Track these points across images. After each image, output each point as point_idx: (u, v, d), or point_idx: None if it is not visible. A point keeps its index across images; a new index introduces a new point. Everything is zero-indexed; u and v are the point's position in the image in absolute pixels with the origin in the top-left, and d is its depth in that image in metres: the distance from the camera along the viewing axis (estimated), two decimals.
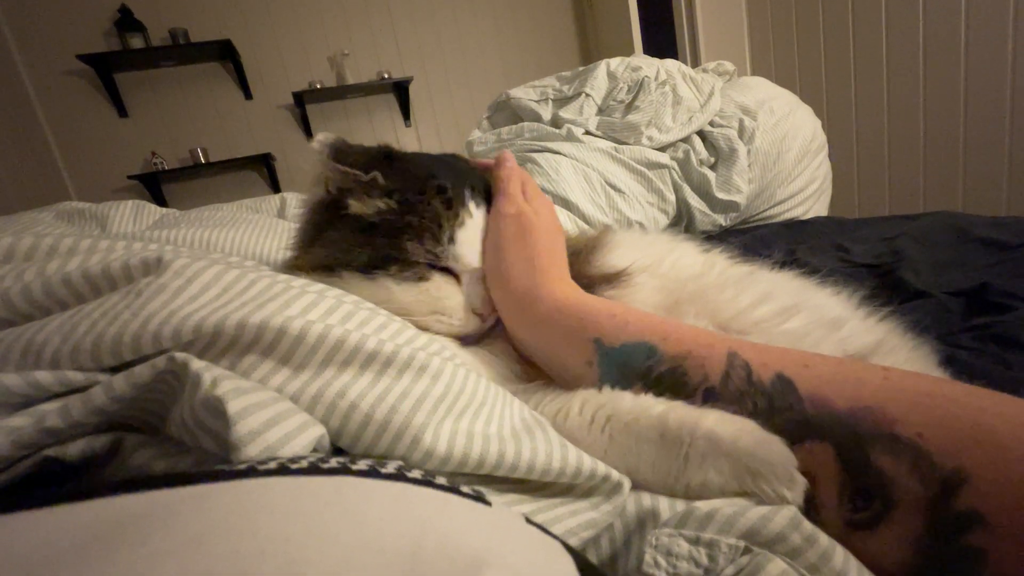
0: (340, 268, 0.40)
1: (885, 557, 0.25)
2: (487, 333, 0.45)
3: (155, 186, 3.15)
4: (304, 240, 0.43)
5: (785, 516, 0.23)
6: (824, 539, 0.23)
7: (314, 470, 0.16)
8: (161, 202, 3.02)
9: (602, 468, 0.28)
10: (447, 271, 0.42)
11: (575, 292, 0.41)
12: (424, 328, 0.40)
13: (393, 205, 0.41)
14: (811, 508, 0.27)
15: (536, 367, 0.43)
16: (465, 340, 0.44)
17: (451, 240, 0.42)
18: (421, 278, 0.41)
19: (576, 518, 0.27)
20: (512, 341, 0.44)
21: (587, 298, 0.41)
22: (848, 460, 0.26)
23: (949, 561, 0.23)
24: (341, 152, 0.42)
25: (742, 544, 0.23)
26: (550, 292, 0.40)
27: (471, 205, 0.44)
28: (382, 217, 0.41)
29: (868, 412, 0.26)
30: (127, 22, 2.95)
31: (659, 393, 0.33)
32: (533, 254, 0.42)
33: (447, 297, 0.42)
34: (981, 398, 0.25)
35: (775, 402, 0.29)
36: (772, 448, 0.27)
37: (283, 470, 0.16)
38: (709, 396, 0.31)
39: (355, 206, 0.41)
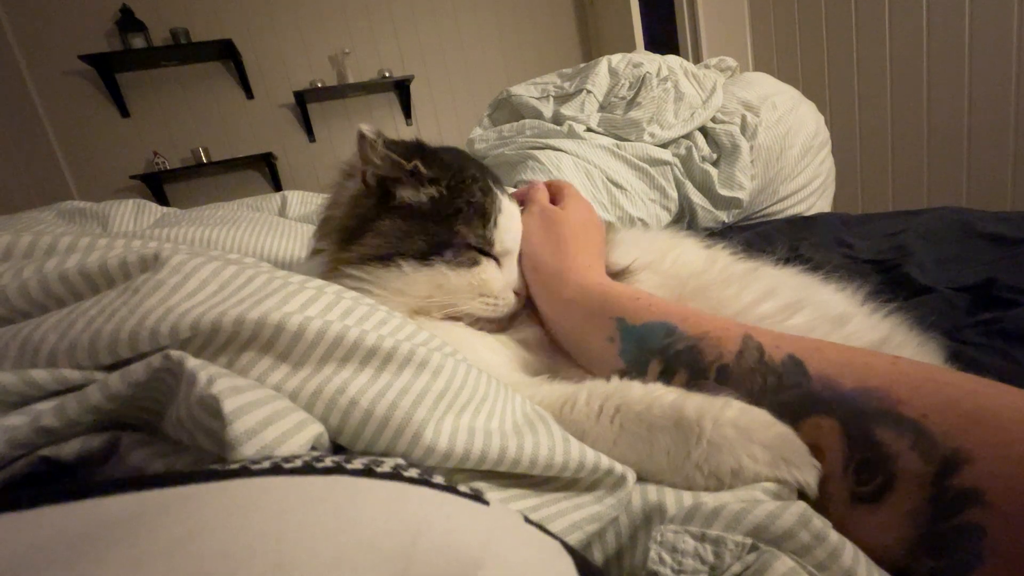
0: (397, 257, 0.41)
1: (887, 532, 0.25)
2: (512, 320, 0.48)
3: (157, 186, 3.16)
4: (347, 234, 0.44)
5: (794, 513, 0.23)
6: (834, 536, 0.23)
7: (308, 469, 0.16)
8: (163, 201, 3.03)
9: (605, 461, 0.28)
10: (489, 256, 0.45)
11: (600, 278, 0.45)
12: (467, 313, 0.44)
13: (443, 191, 0.43)
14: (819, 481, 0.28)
15: (551, 356, 0.45)
16: (494, 325, 0.46)
17: (495, 224, 0.45)
18: (474, 262, 0.43)
19: (580, 512, 0.27)
20: (541, 318, 0.47)
21: (612, 283, 0.43)
22: (853, 435, 0.27)
23: (948, 537, 0.23)
24: (387, 142, 0.44)
25: (749, 541, 0.23)
26: (578, 276, 0.44)
27: (499, 192, 0.47)
28: (434, 204, 0.43)
29: (874, 392, 0.27)
30: (128, 22, 2.95)
31: (675, 368, 0.35)
32: (560, 242, 0.47)
33: (493, 280, 0.44)
34: (986, 386, 0.26)
35: (784, 380, 0.31)
36: (793, 438, 0.28)
37: (276, 469, 0.16)
38: (722, 372, 0.33)
39: (405, 194, 0.43)
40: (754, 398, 0.31)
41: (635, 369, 0.37)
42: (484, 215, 0.44)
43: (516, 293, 0.46)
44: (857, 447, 0.27)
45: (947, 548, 0.23)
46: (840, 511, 0.27)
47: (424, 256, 0.42)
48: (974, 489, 0.23)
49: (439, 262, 0.42)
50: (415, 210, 0.43)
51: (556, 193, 0.55)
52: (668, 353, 0.35)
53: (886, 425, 0.26)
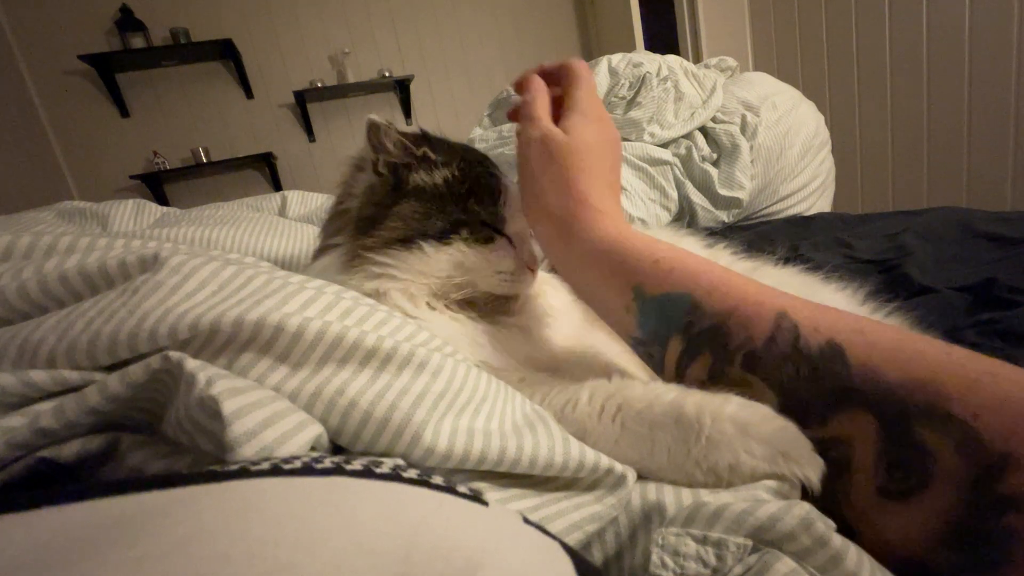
0: (417, 238, 0.42)
1: (912, 526, 0.24)
2: (523, 303, 0.48)
3: (157, 186, 3.16)
4: (365, 223, 0.44)
5: (796, 516, 0.23)
6: (836, 540, 0.22)
7: (307, 471, 0.16)
8: (163, 201, 3.03)
9: (605, 461, 0.28)
10: (502, 234, 0.46)
11: (616, 227, 0.38)
12: (486, 291, 0.44)
13: (455, 173, 0.45)
14: (845, 470, 0.26)
15: (554, 344, 0.45)
16: (502, 310, 0.46)
17: (504, 202, 0.46)
18: (489, 239, 0.44)
19: (580, 512, 0.27)
20: (556, 269, 0.45)
21: (630, 236, 0.37)
22: (891, 432, 0.25)
23: (980, 537, 0.22)
24: (397, 130, 0.45)
25: (750, 543, 0.23)
26: (589, 227, 0.38)
27: (500, 175, 0.49)
28: (448, 185, 0.44)
29: (921, 386, 0.25)
30: (128, 22, 2.95)
31: (698, 350, 0.32)
32: (567, 177, 0.39)
33: (507, 256, 0.45)
34: None
35: (820, 370, 0.28)
36: (793, 433, 0.28)
37: (276, 471, 0.16)
38: (749, 358, 0.30)
39: (419, 178, 0.44)
40: (783, 387, 0.29)
41: (655, 343, 0.34)
42: (493, 193, 0.46)
43: (531, 268, 0.47)
44: (894, 445, 0.25)
45: (975, 548, 0.22)
46: (864, 501, 0.25)
47: (443, 235, 0.43)
48: (1017, 496, 0.21)
49: (457, 240, 0.43)
50: (429, 193, 0.44)
51: (563, 84, 0.44)
52: (691, 332, 0.32)
53: (930, 424, 0.24)
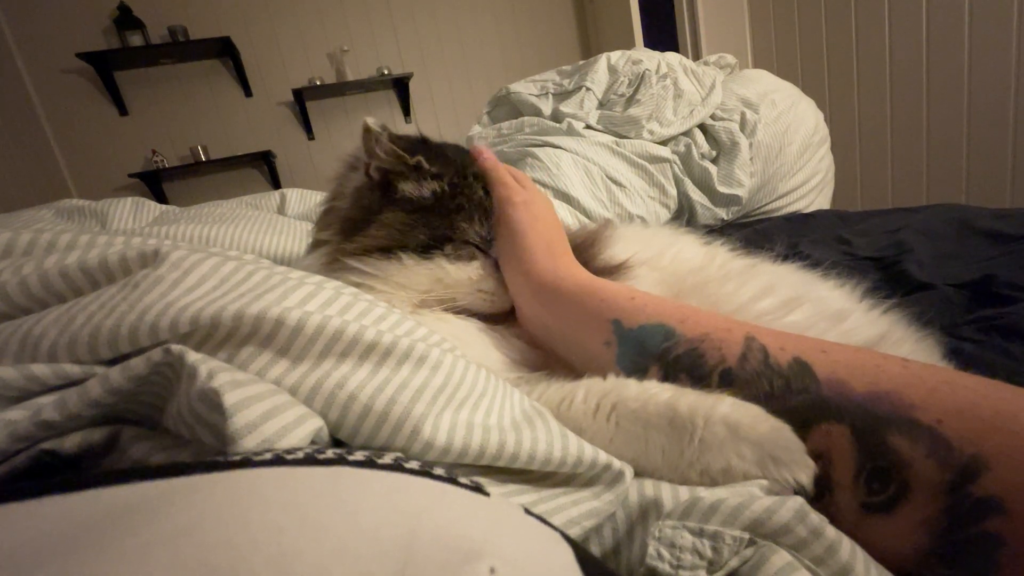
0: (398, 249, 0.42)
1: (899, 540, 0.24)
2: (511, 313, 0.47)
3: (156, 184, 3.15)
4: (351, 225, 0.44)
5: (790, 508, 0.23)
6: (831, 532, 0.23)
7: (310, 461, 0.16)
8: (162, 200, 3.02)
9: (603, 457, 0.28)
10: (487, 254, 0.45)
11: (586, 273, 0.43)
12: (466, 307, 0.44)
13: (446, 187, 0.44)
14: (827, 489, 0.27)
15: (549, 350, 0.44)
16: (491, 319, 0.46)
17: (495, 222, 0.45)
18: (472, 257, 0.44)
19: (578, 507, 0.27)
20: (526, 325, 0.45)
21: (605, 281, 0.42)
22: (865, 443, 0.26)
23: (964, 546, 0.22)
24: (392, 136, 0.44)
25: (746, 536, 0.23)
26: (571, 274, 0.42)
27: None
28: (436, 199, 0.44)
29: (886, 397, 0.26)
30: (126, 20, 2.94)
31: (676, 374, 0.33)
32: (549, 238, 0.44)
33: (489, 275, 0.45)
34: (1001, 389, 0.25)
35: (792, 384, 0.29)
36: (785, 435, 0.28)
37: (278, 461, 0.16)
38: (725, 377, 0.32)
39: (408, 188, 0.43)
40: (760, 403, 0.30)
41: (634, 375, 0.35)
42: (485, 213, 0.45)
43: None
44: (869, 455, 0.25)
45: (963, 558, 0.22)
46: (850, 520, 0.26)
47: (425, 249, 0.42)
48: (992, 498, 0.22)
49: (439, 256, 0.42)
50: (417, 204, 0.43)
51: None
52: (667, 358, 0.34)
53: (900, 432, 0.25)
